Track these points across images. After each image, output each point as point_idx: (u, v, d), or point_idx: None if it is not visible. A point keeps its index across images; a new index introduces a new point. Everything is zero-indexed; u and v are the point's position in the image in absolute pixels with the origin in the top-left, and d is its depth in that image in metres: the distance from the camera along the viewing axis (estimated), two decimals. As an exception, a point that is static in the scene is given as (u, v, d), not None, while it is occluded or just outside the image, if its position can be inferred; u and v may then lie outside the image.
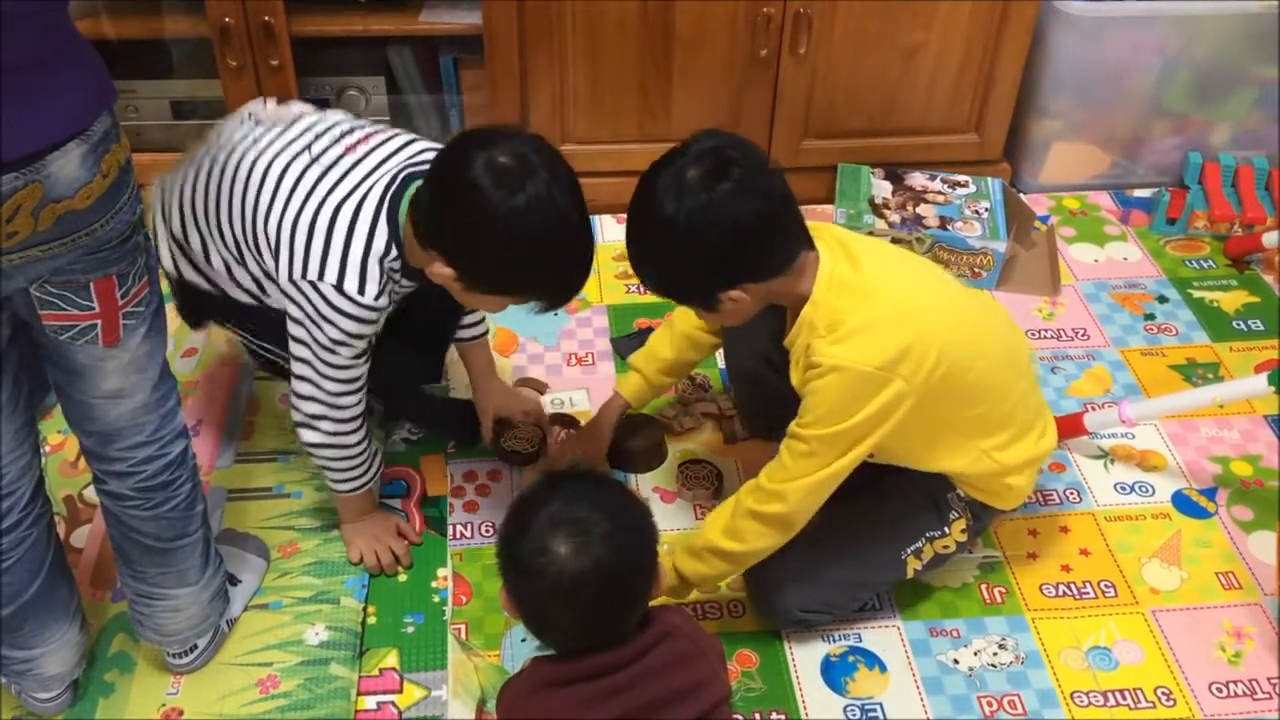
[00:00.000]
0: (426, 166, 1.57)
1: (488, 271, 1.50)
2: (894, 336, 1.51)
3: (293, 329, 1.62)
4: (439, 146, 1.58)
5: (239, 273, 1.71)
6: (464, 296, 1.56)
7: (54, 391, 1.43)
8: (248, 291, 1.73)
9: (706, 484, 1.98)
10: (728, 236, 1.46)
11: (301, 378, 1.65)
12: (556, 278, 1.54)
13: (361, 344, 1.63)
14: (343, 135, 1.67)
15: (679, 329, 1.89)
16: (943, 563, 1.78)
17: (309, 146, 1.66)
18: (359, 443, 1.73)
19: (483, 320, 2.00)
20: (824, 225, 1.62)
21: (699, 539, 1.65)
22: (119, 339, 1.36)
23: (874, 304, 1.53)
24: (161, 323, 1.43)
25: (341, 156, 1.64)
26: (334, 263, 1.56)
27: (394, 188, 1.58)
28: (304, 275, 1.57)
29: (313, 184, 1.60)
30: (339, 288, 1.56)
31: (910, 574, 1.74)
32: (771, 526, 1.60)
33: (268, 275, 1.66)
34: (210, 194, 1.69)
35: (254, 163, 1.65)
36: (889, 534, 1.71)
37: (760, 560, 1.66)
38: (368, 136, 1.67)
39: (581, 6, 2.32)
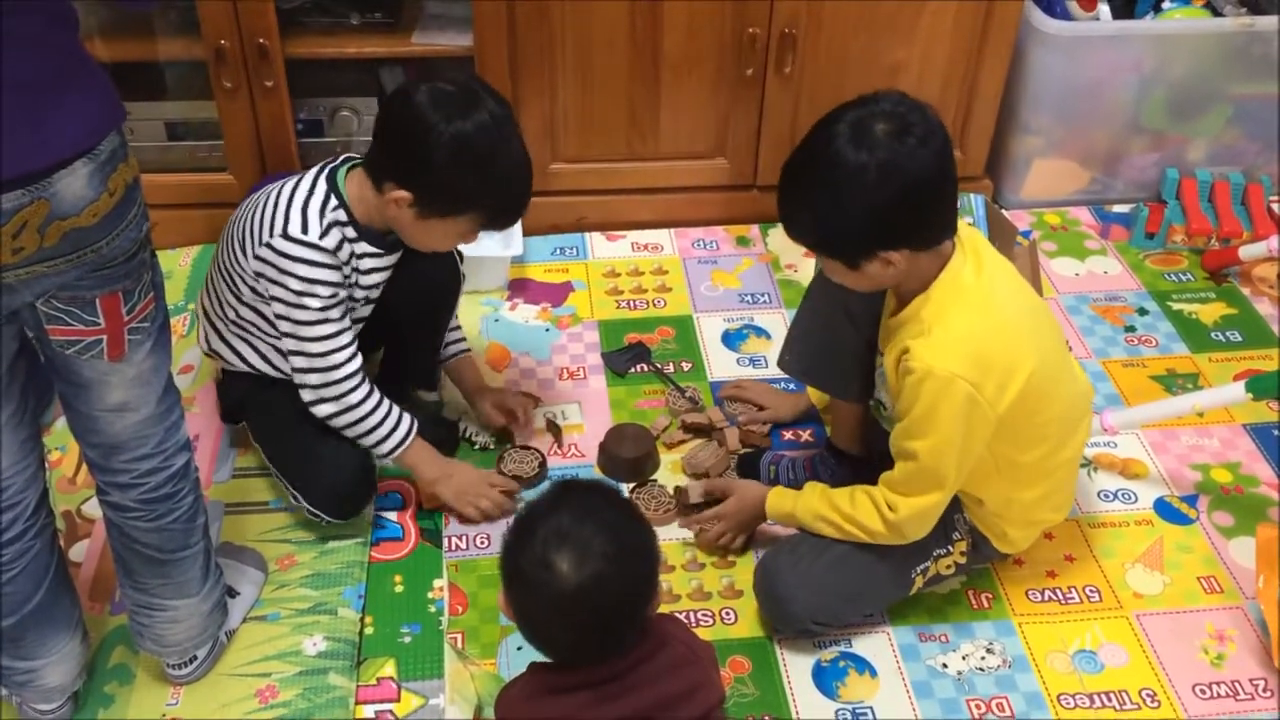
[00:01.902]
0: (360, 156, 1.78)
1: (440, 188, 1.66)
2: (990, 352, 1.55)
3: (274, 307, 1.74)
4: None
5: (244, 313, 1.82)
6: (417, 227, 1.72)
7: (60, 403, 1.46)
8: (260, 353, 1.85)
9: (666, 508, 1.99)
10: (908, 192, 1.48)
11: (293, 352, 1.76)
12: (502, 188, 1.70)
13: (326, 291, 1.72)
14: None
15: None
16: (940, 582, 1.81)
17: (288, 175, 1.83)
18: (364, 400, 1.80)
19: (463, 338, 2.09)
20: (963, 224, 1.63)
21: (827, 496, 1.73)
22: (124, 354, 1.38)
23: (984, 315, 1.56)
24: (166, 338, 1.46)
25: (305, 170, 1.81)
26: (279, 218, 1.72)
27: (331, 163, 1.78)
28: (261, 242, 1.71)
29: (271, 187, 1.79)
30: (285, 234, 1.70)
31: (913, 590, 1.78)
32: (883, 526, 1.67)
33: (254, 293, 1.77)
34: (219, 245, 1.85)
35: (244, 202, 1.83)
36: (903, 551, 1.72)
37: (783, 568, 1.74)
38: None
39: (571, 28, 2.36)
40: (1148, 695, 1.73)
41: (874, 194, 1.48)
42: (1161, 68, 2.59)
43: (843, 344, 1.79)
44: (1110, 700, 1.72)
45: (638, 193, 2.62)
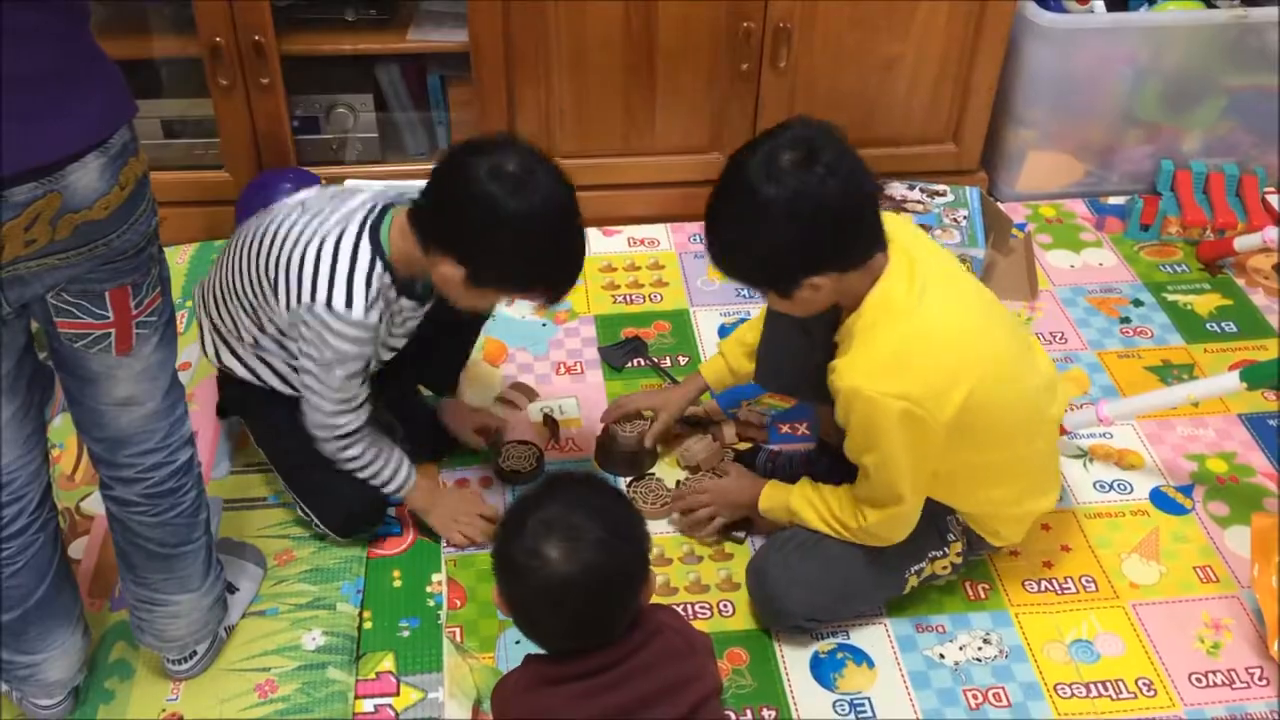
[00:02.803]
0: (399, 197, 1.72)
1: (498, 268, 1.62)
2: (923, 365, 1.54)
3: (300, 360, 1.72)
4: (412, 187, 1.69)
5: (265, 342, 1.80)
6: (463, 294, 1.65)
7: (65, 397, 1.46)
8: (277, 372, 1.83)
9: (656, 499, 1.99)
10: (822, 219, 1.48)
11: (308, 388, 1.73)
12: (560, 270, 1.66)
13: (356, 365, 1.70)
14: (335, 194, 1.79)
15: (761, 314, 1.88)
16: (935, 581, 1.82)
17: (303, 202, 1.78)
18: (360, 455, 1.79)
19: None
20: (901, 227, 1.63)
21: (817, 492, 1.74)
22: (132, 348, 1.39)
23: (912, 328, 1.55)
24: (172, 333, 1.47)
25: (325, 200, 1.76)
26: (323, 285, 1.66)
27: (372, 215, 1.70)
28: (299, 302, 1.67)
29: (302, 227, 1.71)
30: (329, 306, 1.65)
31: (907, 590, 1.79)
32: (857, 525, 1.68)
33: (279, 330, 1.75)
34: (233, 265, 1.79)
35: (261, 225, 1.77)
36: (896, 551, 1.73)
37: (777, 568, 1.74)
38: (355, 191, 1.79)
39: (566, 23, 2.37)
40: (1144, 684, 1.74)
41: (786, 225, 1.48)
42: (1156, 60, 2.59)
43: (802, 354, 1.77)
44: (1107, 690, 1.73)
45: (634, 188, 2.62)
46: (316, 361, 1.69)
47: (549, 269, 1.65)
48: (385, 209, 1.71)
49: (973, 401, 1.55)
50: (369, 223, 1.69)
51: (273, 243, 1.72)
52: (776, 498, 1.79)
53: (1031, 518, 1.83)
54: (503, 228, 1.56)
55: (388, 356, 1.84)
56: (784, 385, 1.99)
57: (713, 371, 2.00)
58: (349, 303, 1.65)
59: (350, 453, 1.79)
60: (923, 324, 1.56)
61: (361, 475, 1.82)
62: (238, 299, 1.79)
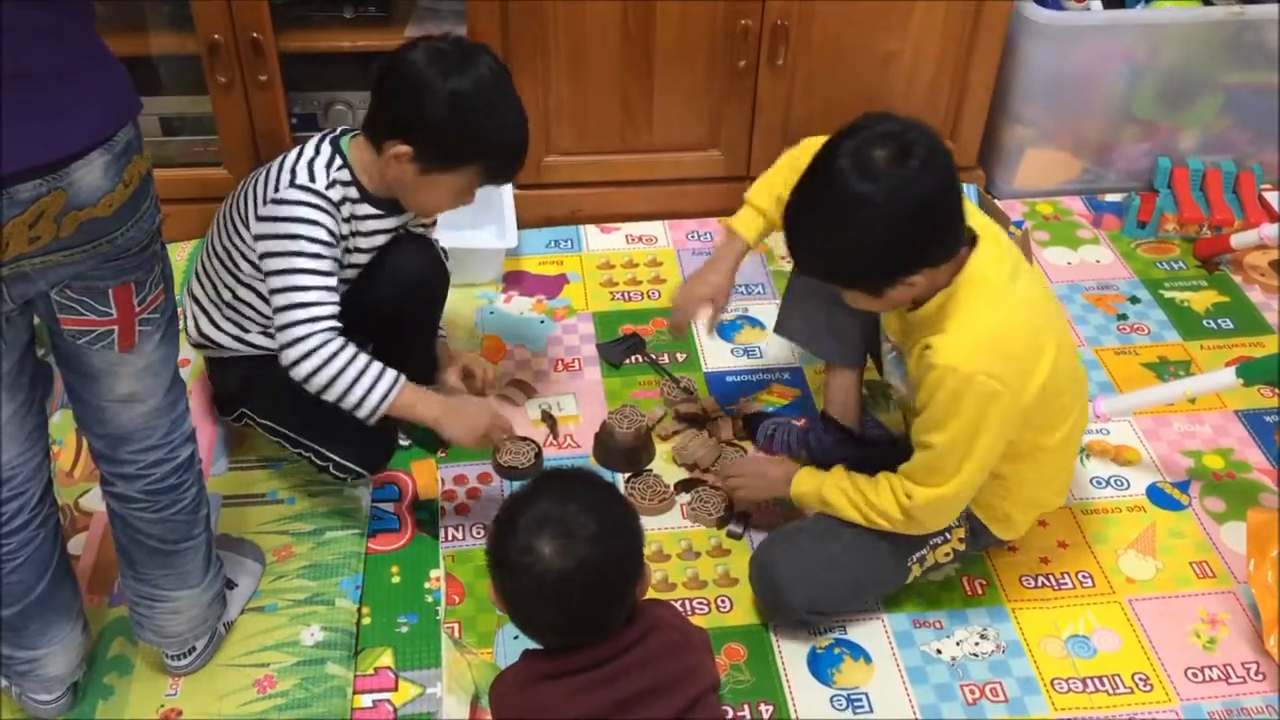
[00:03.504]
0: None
1: (441, 143, 1.70)
2: (1015, 344, 1.55)
3: (267, 263, 1.73)
4: None
5: (241, 292, 1.81)
6: (419, 184, 1.74)
7: (66, 394, 1.47)
8: (256, 325, 1.85)
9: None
10: (922, 213, 1.46)
11: (282, 305, 1.69)
12: (502, 139, 1.74)
13: (324, 235, 1.72)
14: None
15: (803, 163, 1.71)
16: (937, 570, 1.82)
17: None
18: (343, 349, 1.69)
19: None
20: (976, 211, 1.62)
21: (847, 479, 1.73)
22: (134, 345, 1.39)
23: (1009, 309, 1.56)
24: (174, 330, 1.47)
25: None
26: (285, 175, 1.75)
27: (333, 133, 1.82)
28: (264, 201, 1.74)
29: (267, 167, 1.81)
30: (292, 183, 1.74)
31: (910, 579, 1.79)
32: (900, 513, 1.67)
33: (253, 266, 1.77)
34: (211, 231, 1.86)
35: (235, 189, 1.84)
36: (899, 541, 1.73)
37: (777, 559, 1.75)
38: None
39: (564, 20, 2.37)
40: (1140, 679, 1.74)
41: (888, 222, 1.46)
42: (1153, 57, 2.60)
43: (825, 306, 1.78)
44: (1103, 685, 1.74)
45: (632, 185, 2.63)
46: (282, 262, 1.70)
47: (491, 139, 1.73)
48: (346, 132, 1.81)
49: (1049, 379, 1.57)
50: (329, 135, 1.81)
51: (242, 190, 1.82)
52: (809, 484, 1.77)
53: (1040, 510, 1.83)
54: (440, 97, 1.66)
55: (349, 274, 1.84)
56: (805, 335, 2.00)
57: (748, 226, 1.88)
58: (311, 177, 1.74)
59: (327, 351, 1.68)
60: (1018, 305, 1.58)
61: (348, 378, 1.69)
62: (214, 256, 1.85)
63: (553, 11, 2.35)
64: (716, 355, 2.31)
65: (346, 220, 1.78)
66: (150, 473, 1.49)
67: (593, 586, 1.28)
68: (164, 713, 1.66)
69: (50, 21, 1.15)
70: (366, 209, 1.80)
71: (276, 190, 1.74)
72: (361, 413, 1.72)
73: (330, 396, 1.71)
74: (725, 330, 2.37)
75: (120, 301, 1.34)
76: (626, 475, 2.03)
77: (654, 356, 2.30)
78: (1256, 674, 1.75)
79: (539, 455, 2.05)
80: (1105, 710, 1.70)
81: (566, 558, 1.26)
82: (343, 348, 1.70)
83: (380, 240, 1.86)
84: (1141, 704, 1.71)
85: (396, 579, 1.87)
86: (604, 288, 2.48)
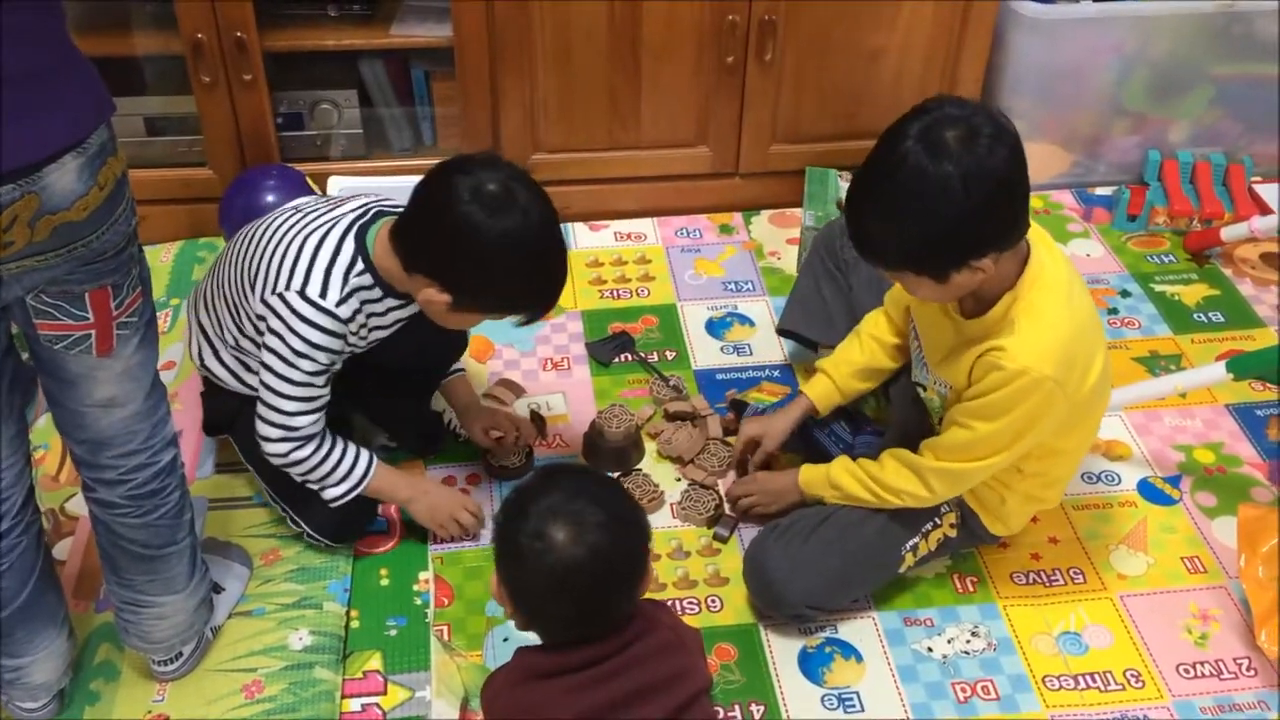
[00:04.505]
0: (394, 205, 1.73)
1: (480, 292, 1.63)
2: (1076, 347, 1.58)
3: (264, 355, 1.69)
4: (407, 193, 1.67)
5: (244, 344, 1.78)
6: (447, 317, 1.67)
7: (46, 399, 1.45)
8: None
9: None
10: (998, 192, 1.46)
11: (266, 404, 1.71)
12: (544, 290, 1.67)
13: (323, 359, 1.68)
14: (331, 198, 1.81)
15: (868, 332, 1.90)
16: (929, 561, 1.82)
17: (297, 205, 1.80)
18: (315, 452, 1.74)
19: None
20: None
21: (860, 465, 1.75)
22: (112, 349, 1.38)
23: (1073, 311, 1.58)
24: (153, 334, 1.46)
25: (319, 204, 1.77)
26: (300, 273, 1.67)
27: (362, 219, 1.71)
28: (273, 290, 1.67)
29: (290, 225, 1.74)
30: (303, 293, 1.66)
31: (903, 568, 1.78)
32: (915, 478, 1.70)
33: (255, 328, 1.73)
34: (224, 266, 1.81)
35: (253, 227, 1.79)
36: (891, 528, 1.74)
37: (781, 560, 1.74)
38: (354, 196, 1.80)
39: (550, 17, 2.36)
40: (1132, 676, 1.74)
41: (962, 203, 1.44)
42: (1142, 49, 2.59)
43: (832, 301, 1.96)
44: (1095, 681, 1.73)
45: (620, 182, 2.61)
46: (281, 355, 1.67)
47: (532, 290, 1.66)
48: (377, 215, 1.71)
49: (1093, 391, 1.61)
50: (357, 224, 1.70)
51: (260, 240, 1.74)
52: (815, 472, 1.81)
53: (1036, 507, 1.83)
54: (483, 252, 1.57)
55: (363, 349, 1.80)
56: (812, 330, 2.10)
57: (820, 393, 1.93)
58: (323, 292, 1.66)
59: (298, 454, 1.73)
60: (1080, 309, 1.60)
61: (313, 479, 1.76)
62: (224, 298, 1.79)
63: (538, 8, 2.34)
64: (706, 353, 2.30)
65: (360, 325, 1.71)
66: (132, 478, 1.48)
67: (603, 576, 1.28)
68: (151, 719, 1.65)
69: (19, 24, 1.14)
70: (387, 304, 1.72)
71: (288, 285, 1.66)
72: (327, 498, 1.79)
73: (298, 480, 1.78)
74: (715, 328, 2.36)
75: (97, 305, 1.33)
76: (616, 475, 2.02)
77: (643, 355, 2.29)
78: (1248, 669, 1.75)
79: (530, 455, 2.04)
80: (1097, 707, 1.70)
81: (579, 545, 1.26)
82: (314, 451, 1.74)
83: (402, 318, 1.78)
84: (1134, 700, 1.71)
85: (385, 582, 1.86)
86: (593, 286, 2.46)
